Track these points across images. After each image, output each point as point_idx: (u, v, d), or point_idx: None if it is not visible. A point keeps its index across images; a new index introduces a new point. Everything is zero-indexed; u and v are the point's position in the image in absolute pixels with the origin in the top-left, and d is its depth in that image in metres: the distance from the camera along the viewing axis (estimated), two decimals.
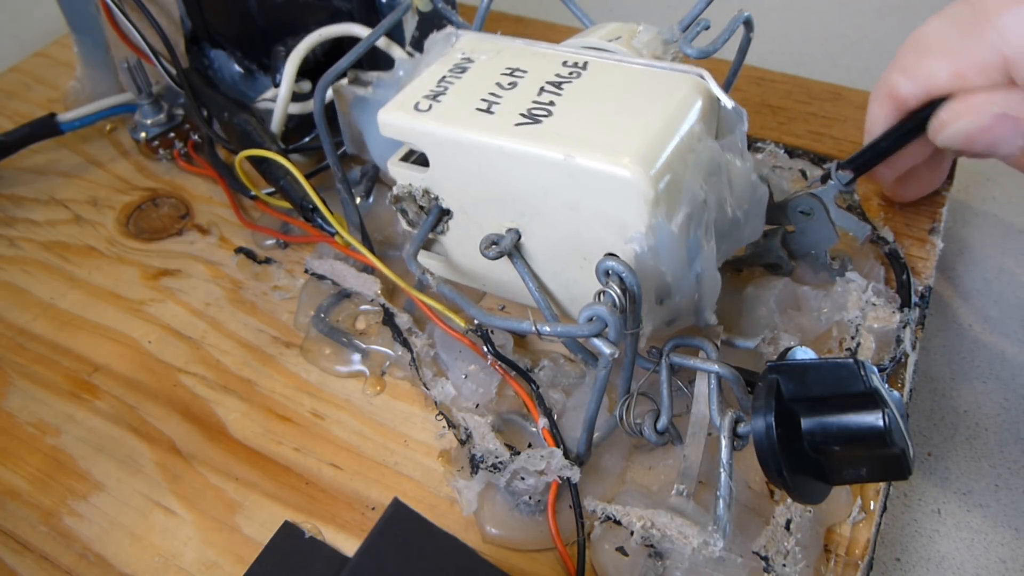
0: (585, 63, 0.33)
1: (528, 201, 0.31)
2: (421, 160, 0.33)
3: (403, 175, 0.34)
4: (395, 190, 0.34)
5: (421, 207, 0.34)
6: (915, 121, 0.35)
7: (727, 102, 0.31)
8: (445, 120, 0.31)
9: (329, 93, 0.37)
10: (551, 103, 0.31)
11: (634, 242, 0.29)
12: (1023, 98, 0.32)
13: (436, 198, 0.34)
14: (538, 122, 0.30)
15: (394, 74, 0.36)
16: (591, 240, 0.30)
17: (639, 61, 0.33)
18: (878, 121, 0.37)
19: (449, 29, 0.36)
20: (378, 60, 0.40)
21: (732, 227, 0.32)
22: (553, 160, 0.29)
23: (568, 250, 0.31)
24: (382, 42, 0.40)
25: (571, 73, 0.32)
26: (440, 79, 0.33)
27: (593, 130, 0.29)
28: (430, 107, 0.32)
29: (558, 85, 0.32)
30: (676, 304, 0.31)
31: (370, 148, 0.38)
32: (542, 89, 0.32)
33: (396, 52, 0.40)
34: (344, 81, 0.38)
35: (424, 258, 0.36)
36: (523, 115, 0.30)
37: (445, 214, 0.34)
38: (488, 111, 0.31)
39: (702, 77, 0.31)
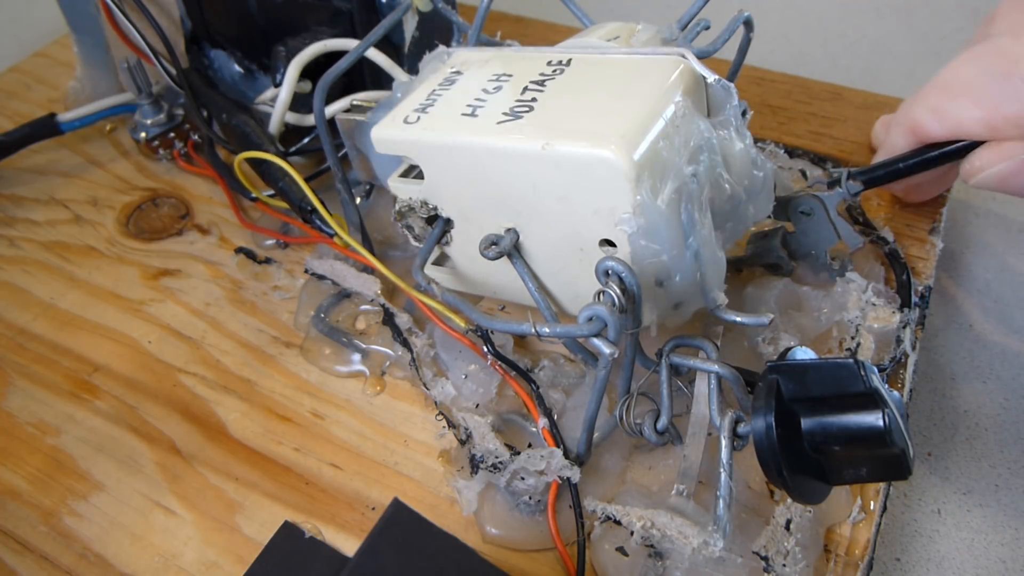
0: (569, 60, 0.33)
1: (520, 198, 0.31)
2: (420, 175, 0.34)
3: (402, 189, 0.34)
4: (397, 205, 0.34)
5: (427, 220, 0.34)
6: (940, 153, 0.36)
7: (710, 76, 0.31)
8: (432, 128, 0.32)
9: (329, 111, 0.37)
10: (533, 100, 0.31)
11: (624, 224, 0.29)
12: None
13: (435, 208, 0.34)
14: (519, 118, 0.30)
15: (392, 96, 0.36)
16: (584, 229, 0.30)
17: (622, 50, 0.33)
18: (898, 149, 0.38)
19: (442, 48, 0.37)
20: (382, 82, 0.41)
21: (734, 204, 0.32)
22: (533, 151, 0.29)
23: (565, 244, 0.31)
24: (385, 63, 0.41)
25: (554, 70, 0.33)
26: (430, 93, 0.33)
27: (571, 118, 0.30)
28: (419, 119, 0.32)
29: (541, 83, 0.32)
30: (678, 285, 0.30)
31: (376, 171, 0.39)
32: (525, 88, 0.32)
33: (398, 74, 0.40)
34: (345, 104, 0.39)
35: (429, 270, 0.37)
36: (505, 114, 0.31)
37: (447, 224, 0.34)
38: (472, 115, 0.31)
39: (684, 57, 0.31)
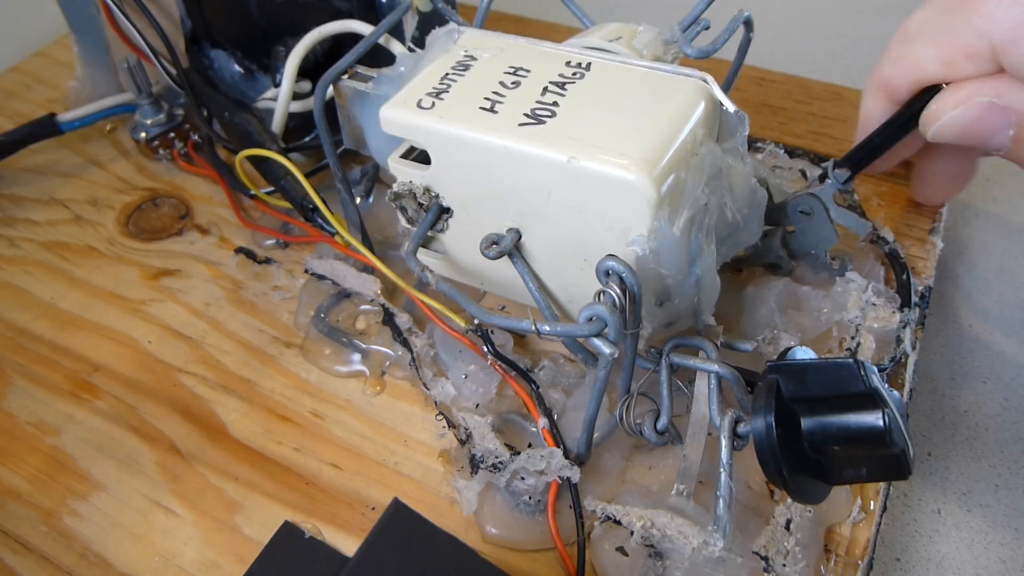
0: (589, 64, 0.33)
1: (530, 201, 0.31)
2: (421, 157, 0.33)
3: (404, 172, 0.34)
4: (395, 187, 0.34)
5: (421, 204, 0.34)
6: (907, 114, 0.35)
7: (730, 106, 0.31)
8: (448, 118, 0.31)
9: (329, 89, 0.36)
10: (555, 104, 0.31)
11: (636, 245, 0.29)
12: (1011, 85, 0.31)
13: (437, 196, 0.34)
14: (542, 123, 0.30)
15: (395, 70, 0.36)
16: (592, 242, 0.30)
17: (643, 63, 0.33)
18: (873, 115, 0.37)
19: (451, 25, 0.36)
20: (377, 58, 0.40)
21: (731, 231, 0.32)
22: (557, 162, 0.29)
23: (569, 251, 0.31)
24: (382, 38, 0.40)
25: (575, 74, 0.32)
26: (443, 76, 0.33)
27: (597, 132, 0.29)
28: (433, 104, 0.32)
29: (562, 86, 0.32)
30: (676, 307, 0.31)
31: (369, 144, 0.38)
32: (545, 89, 0.32)
33: (396, 47, 0.39)
34: (344, 76, 0.38)
35: (423, 256, 0.36)
36: (527, 115, 0.30)
37: (445, 212, 0.34)
38: (491, 110, 0.31)
39: (705, 81, 0.31)
